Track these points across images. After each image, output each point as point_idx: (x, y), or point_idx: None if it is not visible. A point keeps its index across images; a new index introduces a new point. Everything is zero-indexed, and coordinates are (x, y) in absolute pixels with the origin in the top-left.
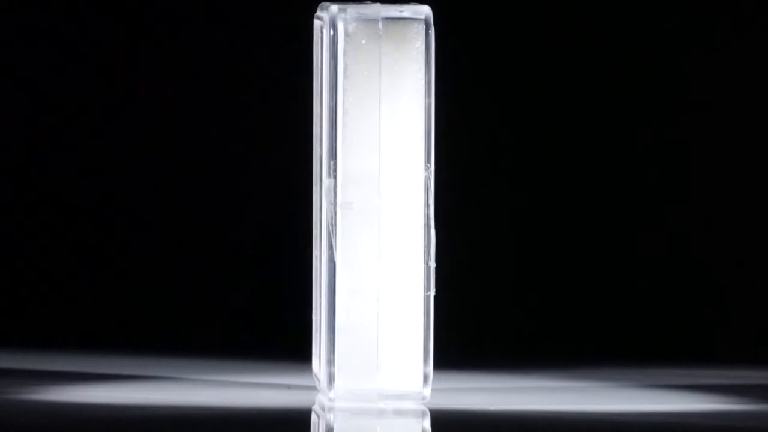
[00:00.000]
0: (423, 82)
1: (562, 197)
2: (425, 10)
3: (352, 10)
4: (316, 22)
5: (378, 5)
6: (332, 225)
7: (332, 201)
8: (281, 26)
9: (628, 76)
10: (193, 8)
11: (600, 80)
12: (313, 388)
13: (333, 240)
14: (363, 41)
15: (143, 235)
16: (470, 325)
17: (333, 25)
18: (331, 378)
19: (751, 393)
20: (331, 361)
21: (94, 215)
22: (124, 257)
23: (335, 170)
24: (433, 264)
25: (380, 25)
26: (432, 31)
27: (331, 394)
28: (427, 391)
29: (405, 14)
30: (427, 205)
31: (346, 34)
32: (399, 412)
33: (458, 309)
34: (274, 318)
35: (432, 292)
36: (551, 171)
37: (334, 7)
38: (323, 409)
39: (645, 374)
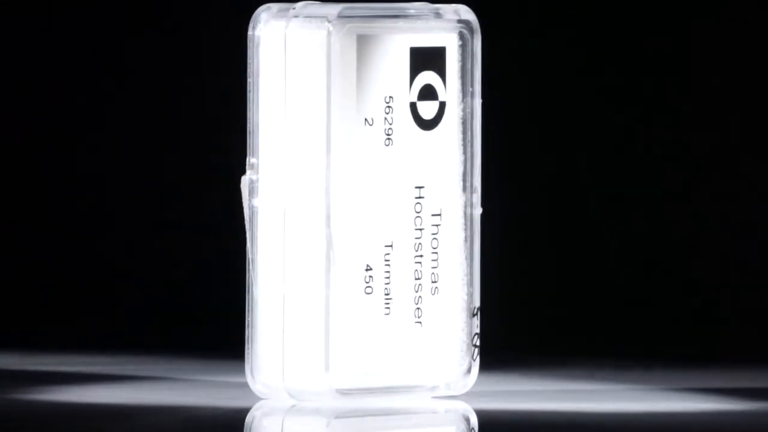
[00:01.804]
0: (324, 82)
1: (569, 202)
2: (332, 10)
3: (275, 7)
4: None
5: (315, 5)
6: (248, 222)
7: (247, 198)
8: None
9: (627, 79)
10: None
11: (599, 85)
12: None
13: (249, 237)
14: (275, 41)
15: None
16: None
17: (253, 25)
18: (251, 374)
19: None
20: (246, 359)
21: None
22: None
23: (254, 168)
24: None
25: (287, 24)
26: (338, 30)
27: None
28: (333, 387)
29: (308, 11)
30: (327, 205)
31: (259, 33)
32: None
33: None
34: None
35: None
36: (556, 176)
37: (262, 7)
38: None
39: (668, 377)
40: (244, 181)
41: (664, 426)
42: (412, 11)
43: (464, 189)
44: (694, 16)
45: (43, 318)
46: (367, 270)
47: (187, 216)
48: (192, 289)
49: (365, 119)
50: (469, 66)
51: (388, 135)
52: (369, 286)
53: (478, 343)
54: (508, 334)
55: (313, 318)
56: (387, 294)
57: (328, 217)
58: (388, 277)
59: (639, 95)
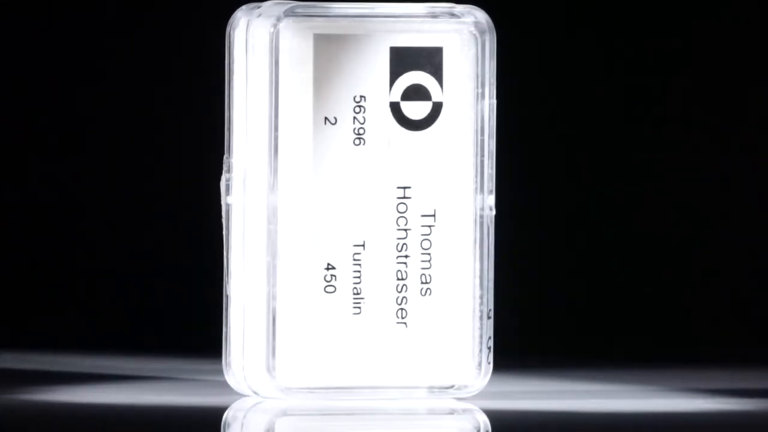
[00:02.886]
0: (267, 80)
1: (574, 205)
2: (276, 10)
3: (251, 6)
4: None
5: (284, 4)
6: (225, 220)
7: (224, 197)
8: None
9: (628, 80)
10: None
11: (601, 85)
12: None
13: (224, 235)
14: (243, 40)
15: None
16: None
17: (231, 24)
18: (227, 371)
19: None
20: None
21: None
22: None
23: (229, 167)
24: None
25: (248, 23)
26: (279, 29)
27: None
28: (282, 386)
29: (271, 10)
30: (272, 202)
31: (233, 32)
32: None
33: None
34: None
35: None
36: (562, 177)
37: (243, 6)
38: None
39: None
40: (223, 179)
41: (673, 426)
42: (399, 11)
43: (476, 190)
44: (695, 16)
45: (41, 318)
46: (327, 269)
47: (183, 214)
48: (190, 288)
49: (325, 118)
50: (478, 67)
51: (359, 134)
52: (331, 285)
53: (491, 345)
54: (519, 335)
55: (263, 316)
56: (357, 293)
57: (273, 215)
58: (358, 277)
59: (640, 95)
